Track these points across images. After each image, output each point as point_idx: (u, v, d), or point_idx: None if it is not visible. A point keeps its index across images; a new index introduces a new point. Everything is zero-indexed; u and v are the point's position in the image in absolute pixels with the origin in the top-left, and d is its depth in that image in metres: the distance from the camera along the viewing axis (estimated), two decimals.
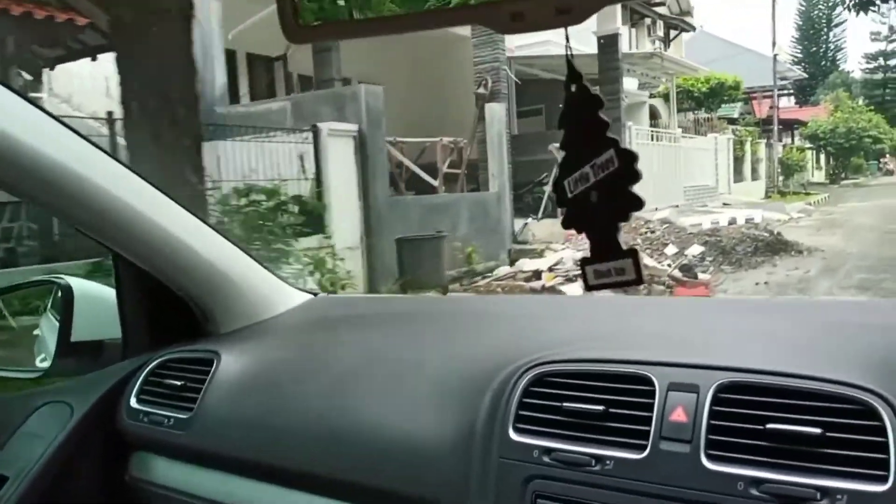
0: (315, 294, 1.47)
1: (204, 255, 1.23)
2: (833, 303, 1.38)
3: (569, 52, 0.58)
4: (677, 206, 13.33)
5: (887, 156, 43.41)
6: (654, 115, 18.64)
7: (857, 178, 34.62)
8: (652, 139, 14.74)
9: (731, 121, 23.60)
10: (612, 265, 0.59)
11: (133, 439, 1.23)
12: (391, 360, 1.06)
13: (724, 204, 15.74)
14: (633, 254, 0.58)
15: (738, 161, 20.11)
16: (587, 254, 0.61)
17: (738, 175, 19.99)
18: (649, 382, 0.77)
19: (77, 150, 1.05)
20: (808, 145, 31.01)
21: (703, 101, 19.70)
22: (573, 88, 0.58)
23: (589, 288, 0.60)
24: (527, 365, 0.86)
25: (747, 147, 20.97)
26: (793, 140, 31.53)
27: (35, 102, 1.02)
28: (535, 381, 0.84)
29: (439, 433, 0.88)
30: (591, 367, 0.82)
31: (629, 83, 15.97)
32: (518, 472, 0.79)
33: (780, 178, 21.90)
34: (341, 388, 1.03)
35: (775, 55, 24.27)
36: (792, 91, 44.43)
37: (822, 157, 33.97)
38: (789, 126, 31.49)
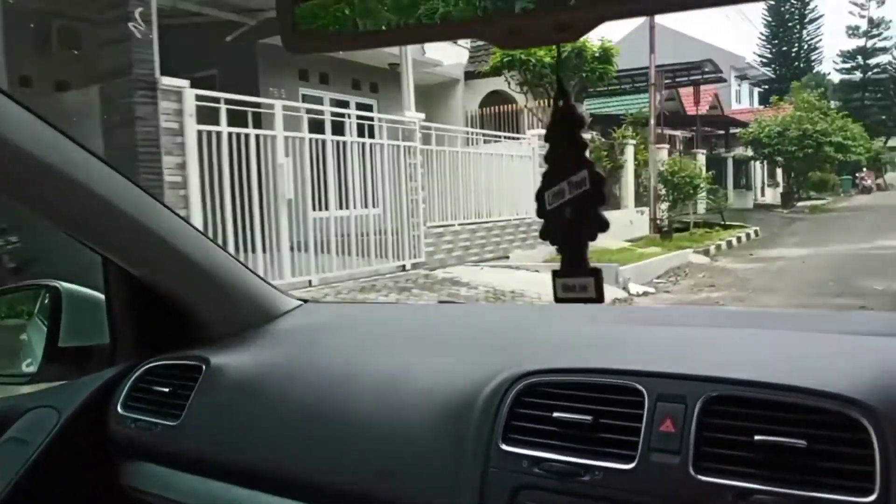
0: (305, 301, 1.46)
1: (194, 260, 1.23)
2: (824, 315, 1.33)
3: (559, 72, 0.64)
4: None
5: (864, 170, 36.21)
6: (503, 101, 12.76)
7: (821, 197, 27.27)
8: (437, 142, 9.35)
9: (611, 119, 16.21)
10: (577, 281, 0.61)
11: (120, 445, 1.23)
12: (381, 369, 1.05)
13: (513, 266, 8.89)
14: (595, 273, 0.61)
15: (611, 177, 12.89)
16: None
17: (609, 201, 12.91)
18: (638, 394, 0.78)
19: (62, 150, 1.05)
20: (750, 154, 23.45)
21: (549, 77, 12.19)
22: (560, 104, 0.60)
23: (557, 300, 0.62)
24: (516, 375, 0.87)
25: (628, 157, 13.69)
26: (726, 146, 23.83)
27: (18, 100, 1.01)
28: (524, 392, 0.85)
29: (429, 442, 0.89)
30: (581, 377, 0.83)
31: (443, 52, 11.66)
32: (507, 482, 0.80)
33: (668, 203, 14.45)
34: (330, 397, 1.03)
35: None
36: (764, 88, 37.40)
37: (779, 171, 26.49)
38: (724, 128, 23.93)
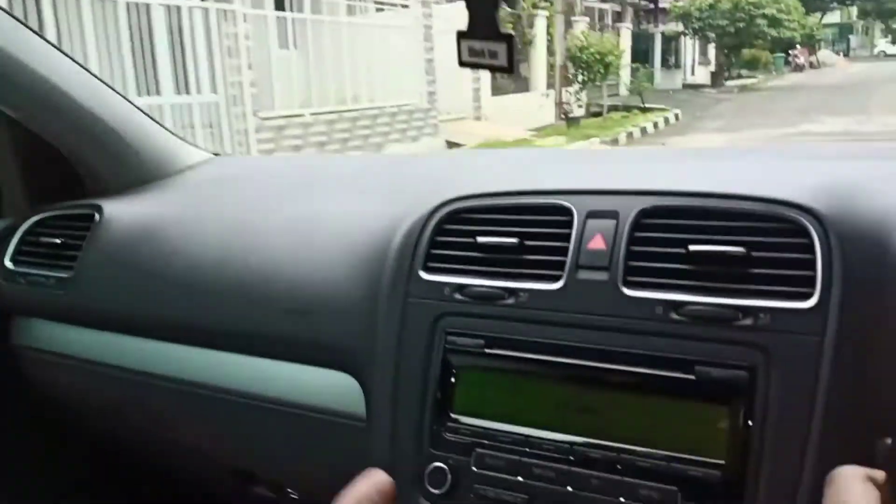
0: (216, 154, 1.40)
1: (86, 105, 1.18)
2: (771, 147, 1.31)
3: None
4: None
5: (798, 47, 35.02)
6: None
7: (752, 76, 26.00)
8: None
9: None
10: (486, 46, 0.58)
11: (10, 303, 1.20)
12: (292, 213, 1.01)
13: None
14: (508, 39, 0.58)
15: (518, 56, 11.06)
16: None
17: (515, 83, 11.09)
18: (567, 212, 0.74)
19: None
20: (680, 29, 21.70)
21: None
22: None
23: (462, 63, 0.60)
24: (438, 203, 0.81)
25: (539, 32, 11.84)
26: (655, 21, 22.00)
27: None
28: (447, 218, 0.80)
29: (345, 277, 0.87)
30: (507, 200, 0.79)
31: None
32: (428, 310, 0.76)
33: (580, 85, 12.28)
34: (235, 243, 0.99)
35: None
36: None
37: (712, 48, 24.90)
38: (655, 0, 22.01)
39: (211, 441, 1.06)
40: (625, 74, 16.13)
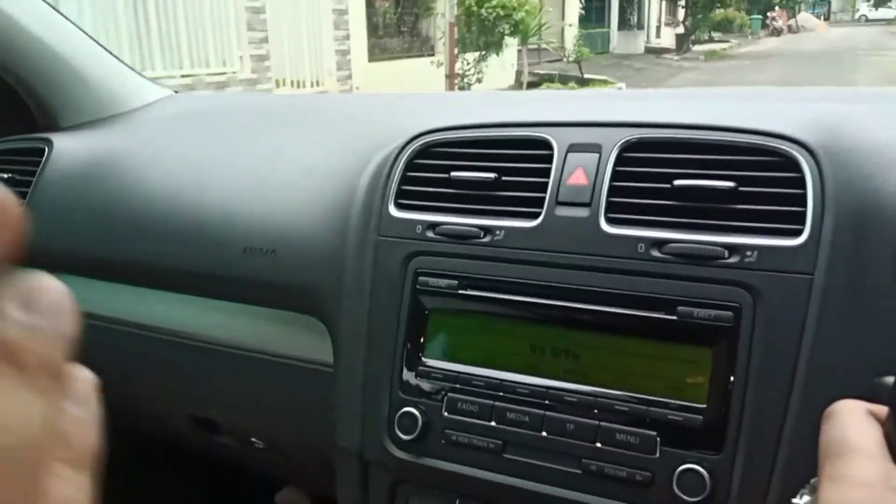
0: (176, 91, 1.33)
1: (36, 34, 1.12)
2: (763, 90, 1.08)
3: None
4: None
5: (777, 9, 32.24)
6: None
7: (725, 39, 23.17)
8: None
9: None
10: None
11: None
12: (257, 149, 0.96)
13: None
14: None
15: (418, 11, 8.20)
16: None
17: (410, 44, 8.12)
18: (547, 145, 0.69)
19: None
20: None
21: None
22: None
23: None
24: (410, 136, 0.76)
25: None
26: None
27: None
28: (420, 153, 0.75)
29: (310, 214, 0.81)
30: (484, 133, 0.74)
31: None
32: (398, 249, 0.72)
33: (481, 50, 9.13)
34: (194, 180, 0.94)
35: None
36: None
37: (681, 6, 21.92)
38: None
39: (171, 389, 0.99)
40: (571, 37, 13.32)
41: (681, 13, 21.49)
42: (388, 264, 0.71)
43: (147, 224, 0.92)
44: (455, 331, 0.69)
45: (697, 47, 20.14)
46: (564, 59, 11.76)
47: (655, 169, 0.64)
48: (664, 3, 20.71)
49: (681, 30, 19.82)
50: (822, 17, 45.18)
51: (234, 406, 0.93)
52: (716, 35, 23.44)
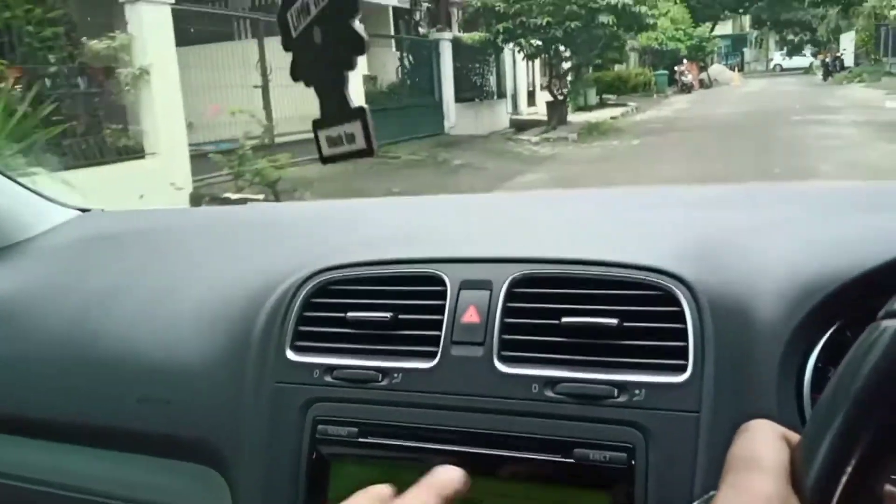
0: (85, 210, 1.26)
1: None
2: (650, 191, 1.18)
3: None
4: None
5: (685, 62, 27.86)
6: None
7: (623, 103, 18.11)
8: None
9: None
10: (342, 130, 0.49)
11: None
12: (152, 281, 0.93)
13: None
14: (361, 114, 0.48)
15: None
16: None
17: None
18: (441, 282, 0.70)
19: None
20: (479, 35, 13.25)
21: None
22: None
23: (324, 160, 0.52)
24: (306, 275, 0.76)
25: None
26: (435, 22, 13.36)
27: None
28: (316, 292, 0.75)
29: (206, 360, 0.79)
30: (379, 270, 0.75)
31: None
32: (296, 396, 0.71)
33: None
34: (86, 320, 0.90)
35: None
36: None
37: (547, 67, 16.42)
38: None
39: None
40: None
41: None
42: (286, 413, 0.70)
43: (40, 377, 0.87)
44: (358, 480, 0.60)
45: (580, 116, 14.85)
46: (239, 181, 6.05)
47: (545, 304, 0.65)
48: (528, 59, 15.18)
49: (552, 97, 14.29)
50: (735, 69, 41.64)
51: None
52: (611, 97, 18.43)
